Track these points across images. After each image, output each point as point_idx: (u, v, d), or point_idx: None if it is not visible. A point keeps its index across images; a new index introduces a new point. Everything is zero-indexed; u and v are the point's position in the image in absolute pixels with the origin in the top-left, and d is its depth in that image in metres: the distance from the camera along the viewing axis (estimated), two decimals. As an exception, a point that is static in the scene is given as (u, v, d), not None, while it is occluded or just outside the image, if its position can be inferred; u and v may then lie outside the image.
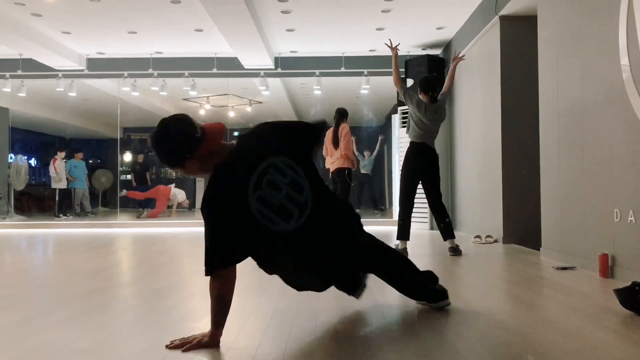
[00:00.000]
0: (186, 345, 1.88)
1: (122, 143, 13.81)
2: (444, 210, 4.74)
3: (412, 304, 2.66)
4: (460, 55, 5.21)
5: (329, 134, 6.46)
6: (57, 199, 10.76)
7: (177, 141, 1.84)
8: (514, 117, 5.64)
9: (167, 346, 1.89)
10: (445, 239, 4.70)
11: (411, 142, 4.76)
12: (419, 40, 7.94)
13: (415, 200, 4.81)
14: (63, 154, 11.19)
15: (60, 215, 10.59)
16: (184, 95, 10.55)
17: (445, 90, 4.94)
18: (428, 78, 5.11)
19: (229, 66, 8.86)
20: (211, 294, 1.97)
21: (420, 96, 4.79)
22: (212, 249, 1.88)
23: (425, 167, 4.72)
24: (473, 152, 6.81)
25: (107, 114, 12.20)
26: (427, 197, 4.77)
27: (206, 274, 1.92)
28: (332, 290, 2.67)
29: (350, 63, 8.79)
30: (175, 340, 1.92)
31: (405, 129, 5.17)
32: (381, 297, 2.81)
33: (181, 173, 1.91)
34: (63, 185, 10.96)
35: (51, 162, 11.07)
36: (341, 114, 6.58)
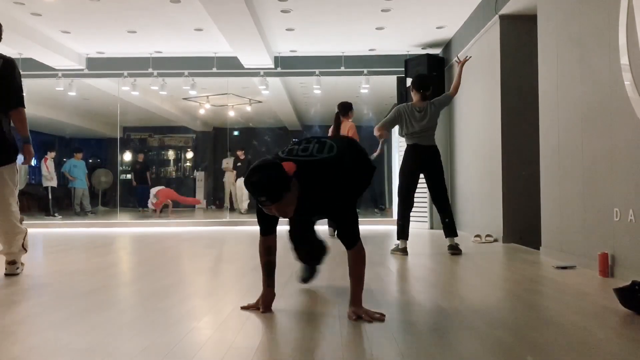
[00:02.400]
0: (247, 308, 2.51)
1: (122, 142, 13.82)
2: (446, 206, 4.73)
3: (412, 304, 2.66)
4: (466, 57, 5.18)
5: (330, 132, 6.13)
6: (50, 197, 10.75)
7: (280, 179, 2.18)
8: (514, 116, 5.64)
9: (241, 307, 2.50)
10: (446, 236, 4.71)
11: (406, 145, 4.84)
12: (418, 39, 7.94)
13: (415, 200, 4.84)
14: (53, 154, 11.30)
15: (55, 214, 10.58)
16: (184, 94, 10.56)
17: (451, 94, 4.94)
18: (423, 76, 5.10)
19: (229, 65, 8.86)
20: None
21: (412, 95, 4.83)
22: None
23: (422, 165, 4.73)
24: (473, 151, 6.81)
25: (107, 114, 12.20)
26: (430, 192, 4.80)
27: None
28: (332, 290, 2.67)
29: (350, 62, 8.79)
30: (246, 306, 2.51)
31: None
32: (381, 298, 2.81)
33: (273, 209, 2.20)
34: (54, 183, 10.99)
35: (42, 161, 11.16)
36: (341, 108, 5.94)
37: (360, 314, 2.29)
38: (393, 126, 4.98)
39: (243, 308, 2.49)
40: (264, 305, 2.46)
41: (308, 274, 3.11)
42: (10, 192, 3.47)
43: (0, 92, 3.39)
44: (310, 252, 3.05)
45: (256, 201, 2.30)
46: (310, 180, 2.29)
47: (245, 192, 11.73)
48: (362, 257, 2.39)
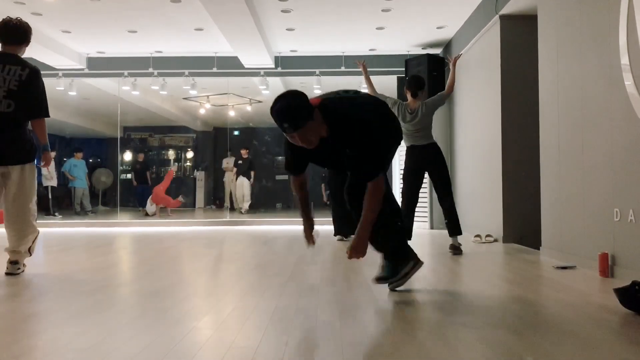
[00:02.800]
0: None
1: (122, 142, 13.81)
2: (449, 205, 4.74)
3: (412, 304, 2.66)
4: (458, 55, 5.20)
5: None
6: (49, 197, 10.74)
7: (302, 106, 2.30)
8: (514, 117, 5.64)
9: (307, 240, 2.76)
10: (449, 235, 4.73)
11: (405, 146, 4.89)
12: (419, 39, 7.93)
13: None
14: (53, 154, 11.30)
15: (55, 214, 10.58)
16: (184, 94, 10.55)
17: (446, 92, 4.95)
18: (416, 76, 5.13)
19: (229, 65, 8.86)
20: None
21: (406, 94, 4.89)
22: None
23: (423, 165, 4.75)
24: (473, 152, 6.81)
25: (107, 113, 12.19)
26: (435, 191, 4.84)
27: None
28: (332, 289, 2.67)
29: (351, 62, 8.77)
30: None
31: None
32: (381, 298, 2.81)
33: (297, 137, 2.30)
34: (54, 183, 10.99)
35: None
36: None
37: (354, 256, 2.48)
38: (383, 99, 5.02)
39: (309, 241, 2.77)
40: (308, 233, 2.68)
41: (385, 272, 2.88)
42: (31, 188, 3.58)
43: (24, 99, 3.51)
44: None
45: (285, 148, 2.50)
46: (335, 111, 2.41)
47: (246, 193, 11.70)
48: (378, 189, 2.46)
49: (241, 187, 11.74)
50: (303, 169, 2.61)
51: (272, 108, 2.29)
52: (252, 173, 11.82)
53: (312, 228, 2.71)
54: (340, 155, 2.50)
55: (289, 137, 2.32)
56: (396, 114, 4.80)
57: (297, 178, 2.65)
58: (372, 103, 2.69)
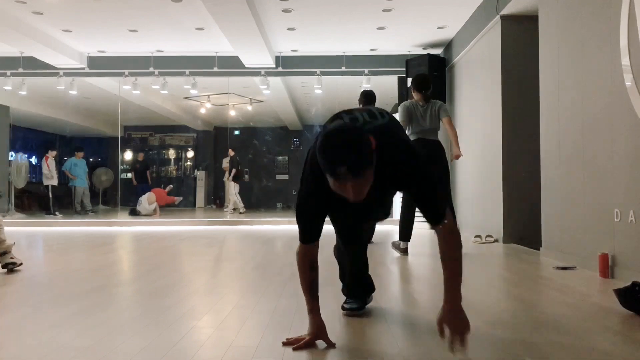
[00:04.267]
0: (296, 344, 1.91)
1: (123, 141, 13.81)
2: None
3: (412, 304, 2.66)
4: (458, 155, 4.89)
5: None
6: (50, 196, 10.75)
7: (367, 149, 1.64)
8: (515, 117, 5.64)
9: (283, 343, 1.94)
10: None
11: (411, 140, 4.81)
12: (420, 39, 7.94)
13: None
14: (54, 153, 11.32)
15: (56, 213, 10.58)
16: (185, 93, 10.57)
17: (447, 125, 4.73)
18: (422, 76, 4.98)
19: (230, 65, 8.87)
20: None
21: (414, 94, 4.79)
22: None
23: (427, 160, 4.70)
24: (474, 152, 6.81)
25: (108, 113, 12.20)
26: None
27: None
28: (332, 290, 2.67)
29: (351, 62, 8.79)
30: (290, 339, 1.95)
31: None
32: (381, 298, 2.81)
33: (350, 186, 1.61)
34: (55, 182, 11.01)
35: (43, 159, 11.17)
36: (370, 98, 5.24)
37: (463, 331, 1.74)
38: (408, 125, 4.76)
39: (287, 344, 1.93)
40: (321, 337, 1.93)
41: (356, 304, 2.46)
42: None
43: None
44: (358, 259, 2.48)
45: (304, 191, 1.85)
46: (389, 151, 1.81)
47: (232, 193, 11.68)
48: (458, 238, 1.92)
49: (228, 188, 11.74)
50: (320, 232, 1.94)
51: (325, 144, 1.61)
52: (234, 171, 11.67)
53: (323, 331, 1.94)
54: (377, 195, 1.92)
55: (336, 183, 1.62)
56: (414, 116, 4.69)
57: (310, 249, 1.93)
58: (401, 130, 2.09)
